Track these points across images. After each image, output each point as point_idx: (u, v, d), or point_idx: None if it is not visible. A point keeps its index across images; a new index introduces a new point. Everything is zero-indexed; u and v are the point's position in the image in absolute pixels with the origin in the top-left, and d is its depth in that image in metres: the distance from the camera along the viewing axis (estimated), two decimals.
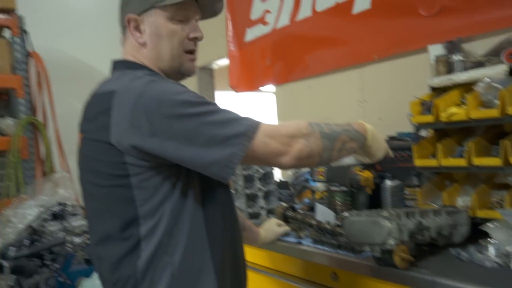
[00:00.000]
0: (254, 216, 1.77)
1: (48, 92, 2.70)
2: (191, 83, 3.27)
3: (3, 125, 2.48)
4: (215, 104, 0.93)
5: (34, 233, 1.94)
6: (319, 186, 1.92)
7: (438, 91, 1.47)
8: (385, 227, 1.05)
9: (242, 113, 0.93)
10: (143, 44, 1.03)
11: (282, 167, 1.03)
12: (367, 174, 1.57)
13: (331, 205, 1.64)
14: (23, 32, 2.62)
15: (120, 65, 1.06)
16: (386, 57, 1.95)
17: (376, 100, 2.01)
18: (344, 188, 1.61)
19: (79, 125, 1.00)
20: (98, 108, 0.93)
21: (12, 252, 1.79)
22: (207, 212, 0.98)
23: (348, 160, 1.63)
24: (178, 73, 1.06)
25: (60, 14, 3.18)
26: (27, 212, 2.01)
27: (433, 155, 1.39)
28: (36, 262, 1.84)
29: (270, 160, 0.93)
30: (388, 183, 1.53)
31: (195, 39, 1.05)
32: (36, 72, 2.68)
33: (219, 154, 0.86)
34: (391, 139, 1.77)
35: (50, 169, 2.65)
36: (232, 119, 0.90)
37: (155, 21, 1.02)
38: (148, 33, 1.03)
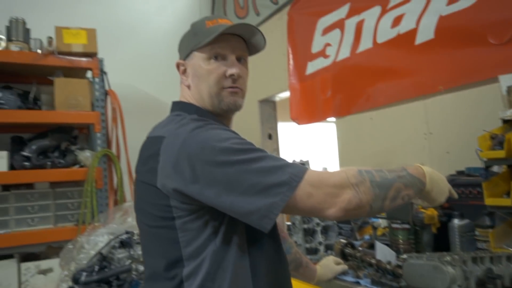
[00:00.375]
0: (312, 251, 1.73)
1: (121, 126, 2.91)
2: (253, 116, 3.35)
3: (82, 157, 2.70)
4: (260, 151, 0.92)
5: (103, 259, 2.05)
6: (381, 222, 1.84)
7: (511, 124, 1.36)
8: (448, 273, 0.97)
9: (289, 160, 0.92)
10: (188, 86, 1.10)
11: (328, 218, 1.00)
12: (432, 211, 1.48)
13: (392, 244, 1.56)
14: (102, 72, 2.89)
15: (175, 107, 1.12)
16: (452, 87, 1.86)
17: (442, 132, 1.91)
18: (406, 226, 1.52)
19: (136, 166, 1.06)
20: (149, 152, 0.99)
21: (83, 277, 1.91)
22: (252, 256, 0.97)
23: None
24: (221, 110, 1.08)
25: (134, 55, 3.47)
26: (98, 239, 2.14)
27: (507, 194, 1.28)
28: None
29: (315, 212, 0.90)
30: (456, 222, 1.43)
31: (232, 76, 1.06)
32: (112, 108, 2.92)
33: (258, 204, 0.85)
34: (459, 174, 1.66)
35: (121, 198, 2.82)
36: (276, 167, 0.88)
37: (194, 64, 1.08)
38: (191, 76, 1.09)
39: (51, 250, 2.65)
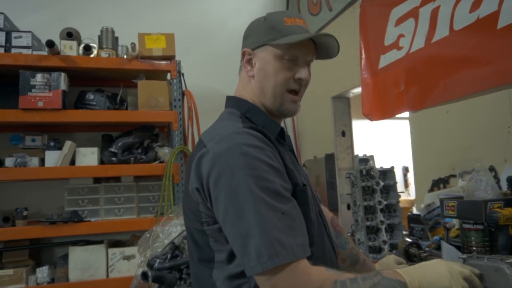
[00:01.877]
0: (376, 250, 1.66)
1: (197, 124, 3.07)
2: (326, 112, 3.30)
3: (161, 153, 2.90)
4: (285, 204, 0.90)
5: (176, 248, 2.19)
6: (455, 222, 1.70)
7: None
8: (511, 277, 0.87)
9: (298, 236, 0.88)
10: (252, 77, 1.09)
11: None
12: (509, 211, 1.33)
13: (465, 246, 1.44)
14: (179, 74, 3.07)
15: (229, 102, 1.15)
16: None
17: None
18: (479, 227, 1.39)
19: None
20: (192, 158, 1.02)
21: (156, 263, 2.05)
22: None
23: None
24: (278, 112, 1.09)
25: (210, 56, 3.62)
26: (172, 230, 2.29)
27: None
28: (175, 275, 2.06)
29: None
30: None
31: (300, 80, 1.07)
32: (188, 107, 3.09)
33: (247, 251, 0.86)
34: None
35: None
36: (281, 229, 0.86)
37: (265, 57, 1.07)
38: (257, 68, 1.09)
39: (135, 238, 2.89)
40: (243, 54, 1.11)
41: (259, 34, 1.10)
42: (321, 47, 1.12)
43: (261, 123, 1.07)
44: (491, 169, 1.80)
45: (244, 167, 0.88)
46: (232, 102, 1.15)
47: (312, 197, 1.11)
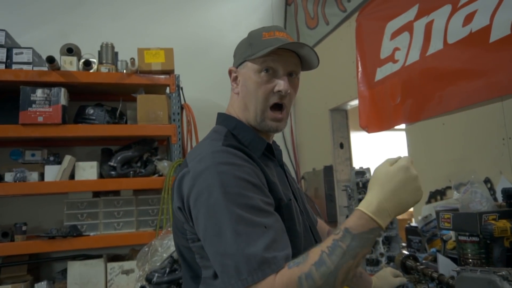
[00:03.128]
0: (373, 262, 1.66)
1: (195, 137, 3.09)
2: (324, 125, 3.32)
3: (160, 166, 2.91)
4: (266, 219, 0.89)
5: (174, 262, 2.18)
6: (452, 234, 1.70)
7: None
8: None
9: (282, 248, 0.87)
10: (237, 94, 1.12)
11: None
12: (503, 223, 1.34)
13: (461, 258, 1.44)
14: (178, 88, 3.10)
15: (218, 118, 1.17)
16: None
17: None
18: (475, 239, 1.40)
19: None
20: (179, 176, 1.02)
21: (155, 278, 2.05)
22: None
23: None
24: (259, 128, 1.10)
25: (209, 70, 3.65)
26: (171, 243, 2.28)
27: None
28: None
29: None
30: None
31: (279, 92, 1.06)
32: (186, 120, 3.11)
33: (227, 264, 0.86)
34: None
35: None
36: (261, 244, 0.84)
37: (245, 73, 1.10)
38: (241, 85, 1.11)
39: (134, 252, 2.88)
40: (229, 72, 1.15)
41: (240, 52, 1.13)
42: (304, 59, 1.12)
43: (247, 140, 1.08)
44: (487, 180, 1.81)
45: (222, 185, 0.89)
46: (221, 119, 1.17)
47: (302, 211, 1.12)
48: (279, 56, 1.06)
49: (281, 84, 1.06)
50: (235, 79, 1.14)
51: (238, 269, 0.83)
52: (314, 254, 0.85)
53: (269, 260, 0.83)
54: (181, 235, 1.02)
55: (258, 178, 0.94)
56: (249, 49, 1.10)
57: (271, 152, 1.14)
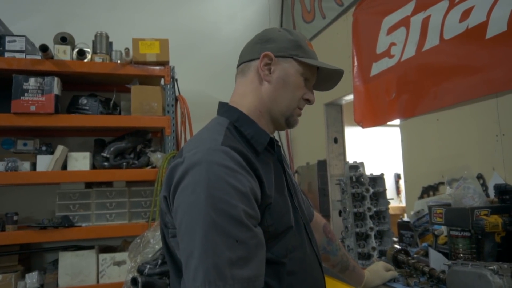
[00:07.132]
0: (365, 256, 1.67)
1: (189, 129, 3.07)
2: (319, 119, 3.32)
3: (153, 158, 2.90)
4: (248, 234, 0.86)
5: None
6: (443, 229, 1.71)
7: None
8: (493, 284, 0.88)
9: (247, 268, 0.83)
10: (268, 82, 1.08)
11: None
12: (495, 219, 1.35)
13: (452, 253, 1.45)
14: (173, 79, 3.08)
15: (220, 110, 1.13)
16: None
17: None
18: (466, 234, 1.41)
19: None
20: (172, 165, 0.97)
21: (147, 269, 2.04)
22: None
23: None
24: (284, 122, 1.11)
25: (204, 62, 3.64)
26: None
27: None
28: (165, 281, 2.04)
29: None
30: None
31: (308, 101, 1.12)
32: (181, 112, 3.09)
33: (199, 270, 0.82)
34: None
35: None
36: (226, 257, 0.81)
37: (288, 69, 1.08)
38: (276, 76, 1.08)
39: (126, 244, 2.87)
40: (264, 56, 1.08)
41: (285, 45, 1.10)
42: (322, 77, 1.18)
43: (250, 133, 1.05)
44: (479, 176, 1.82)
45: (208, 186, 0.85)
46: (223, 109, 1.12)
47: (296, 208, 1.11)
48: (315, 71, 1.14)
49: (312, 96, 1.13)
50: (267, 65, 1.09)
51: (195, 274, 0.81)
52: None
53: (226, 276, 0.80)
54: (165, 227, 1.01)
55: (250, 187, 0.90)
56: (299, 50, 1.10)
57: (272, 147, 1.13)
